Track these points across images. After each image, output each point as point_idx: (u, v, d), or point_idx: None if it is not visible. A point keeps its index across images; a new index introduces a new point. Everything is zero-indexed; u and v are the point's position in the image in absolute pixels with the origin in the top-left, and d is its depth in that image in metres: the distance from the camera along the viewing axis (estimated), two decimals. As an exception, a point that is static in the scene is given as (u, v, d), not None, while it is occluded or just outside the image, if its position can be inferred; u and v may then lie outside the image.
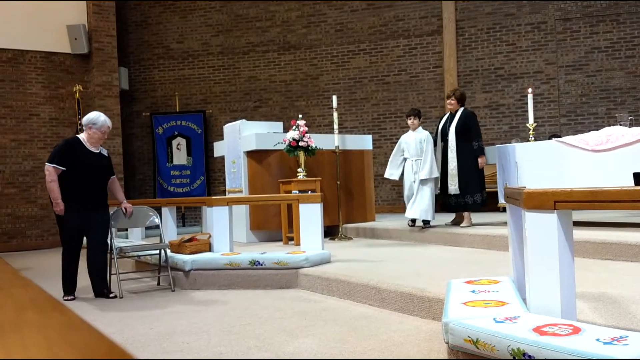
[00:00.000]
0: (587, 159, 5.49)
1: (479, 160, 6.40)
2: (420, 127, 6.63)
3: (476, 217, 7.42)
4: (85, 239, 5.12)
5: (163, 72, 11.82)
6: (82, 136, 5.08)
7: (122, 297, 4.99)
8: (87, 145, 5.02)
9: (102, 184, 5.12)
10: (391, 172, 6.69)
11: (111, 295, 5.01)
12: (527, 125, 6.77)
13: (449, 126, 6.51)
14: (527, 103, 6.94)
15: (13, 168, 10.06)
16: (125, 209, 5.29)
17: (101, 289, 5.05)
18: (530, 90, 6.89)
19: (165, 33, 11.80)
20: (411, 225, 6.82)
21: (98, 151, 5.09)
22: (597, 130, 5.80)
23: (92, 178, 4.97)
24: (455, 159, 6.39)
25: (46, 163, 4.95)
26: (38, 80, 10.28)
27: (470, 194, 6.39)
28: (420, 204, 6.42)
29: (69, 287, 5.03)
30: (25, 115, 10.19)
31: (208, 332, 3.67)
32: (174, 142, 11.49)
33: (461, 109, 6.57)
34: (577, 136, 5.77)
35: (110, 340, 0.53)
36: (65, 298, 4.99)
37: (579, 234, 4.75)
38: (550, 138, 7.28)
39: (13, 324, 0.58)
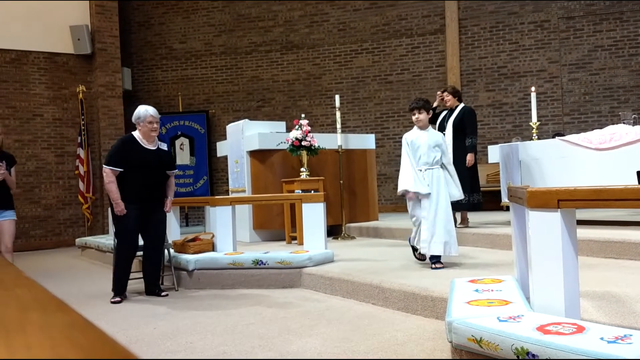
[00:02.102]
0: (591, 158, 5.48)
1: (468, 157, 6.16)
2: (431, 126, 4.94)
3: (480, 216, 7.41)
4: (141, 237, 5.04)
5: (166, 72, 11.83)
6: (136, 133, 4.89)
7: (125, 297, 4.99)
8: (143, 142, 4.85)
9: (159, 181, 4.96)
10: (418, 185, 4.62)
11: (163, 294, 4.95)
12: (531, 123, 6.76)
13: (447, 122, 6.40)
14: (530, 102, 6.93)
15: (17, 168, 10.05)
16: (166, 206, 5.09)
17: (153, 288, 5.00)
18: (533, 88, 6.88)
19: (168, 33, 11.82)
20: (421, 259, 4.91)
21: (155, 147, 4.91)
22: (601, 128, 5.78)
23: (149, 176, 4.82)
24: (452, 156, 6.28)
25: (103, 165, 4.84)
26: (41, 80, 10.31)
27: (466, 193, 6.27)
28: (446, 233, 4.59)
29: (120, 287, 4.85)
30: (29, 115, 10.21)
31: (212, 332, 3.67)
32: (177, 142, 11.51)
33: (461, 105, 6.45)
34: (580, 135, 5.75)
35: (114, 340, 0.53)
36: (113, 300, 4.78)
37: (583, 232, 4.74)
38: (553, 137, 7.27)
39: (17, 324, 0.59)
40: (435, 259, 4.65)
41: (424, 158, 4.69)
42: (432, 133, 4.83)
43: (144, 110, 4.85)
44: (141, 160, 4.79)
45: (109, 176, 4.73)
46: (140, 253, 5.15)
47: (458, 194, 4.78)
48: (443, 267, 4.59)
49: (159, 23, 11.86)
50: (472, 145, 6.22)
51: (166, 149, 5.08)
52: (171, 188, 5.16)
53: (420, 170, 4.66)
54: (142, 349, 3.36)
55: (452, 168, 4.81)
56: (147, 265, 5.08)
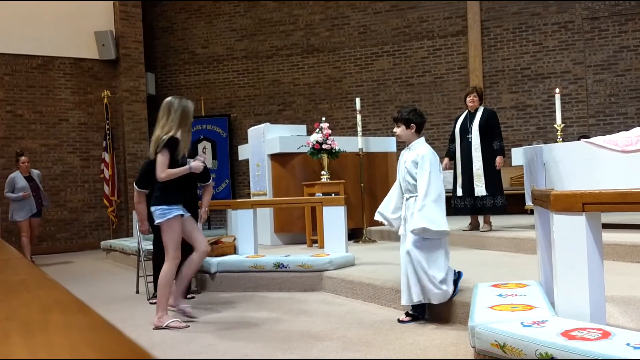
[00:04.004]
0: (617, 160, 5.38)
1: (497, 160, 6.21)
2: (420, 141, 3.87)
3: (504, 219, 7.33)
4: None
5: (189, 77, 11.95)
6: None
7: (149, 299, 5.05)
8: None
9: (189, 192, 4.89)
10: (382, 214, 4.04)
11: (188, 296, 5.03)
12: (555, 126, 6.67)
13: (471, 124, 6.37)
14: (554, 103, 6.83)
15: (43, 172, 10.23)
16: (201, 215, 5.11)
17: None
18: (557, 90, 6.79)
19: (190, 38, 11.94)
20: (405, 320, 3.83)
21: None
22: (627, 130, 5.68)
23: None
24: (481, 159, 6.27)
25: (134, 183, 5.09)
26: (67, 86, 10.49)
27: (491, 196, 6.27)
28: (413, 281, 3.62)
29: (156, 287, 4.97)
30: (55, 120, 10.40)
31: (233, 334, 3.69)
32: (200, 146, 11.60)
33: (482, 108, 6.46)
34: (606, 137, 5.65)
35: (132, 341, 0.54)
36: (151, 301, 4.92)
37: (609, 236, 4.65)
38: (579, 139, 7.16)
39: (38, 325, 0.59)
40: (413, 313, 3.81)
41: (403, 184, 3.83)
42: (412, 150, 3.82)
43: None
44: None
45: (136, 197, 4.97)
46: None
47: (414, 224, 3.58)
48: (409, 321, 3.77)
49: (181, 28, 11.98)
50: (501, 148, 6.28)
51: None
52: (207, 198, 5.17)
53: (403, 198, 3.84)
54: (166, 351, 3.39)
55: (420, 198, 3.62)
56: (180, 269, 5.13)
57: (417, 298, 3.63)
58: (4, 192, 8.03)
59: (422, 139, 3.89)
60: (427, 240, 3.62)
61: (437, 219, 3.56)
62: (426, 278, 3.59)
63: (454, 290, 3.70)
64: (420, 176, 3.66)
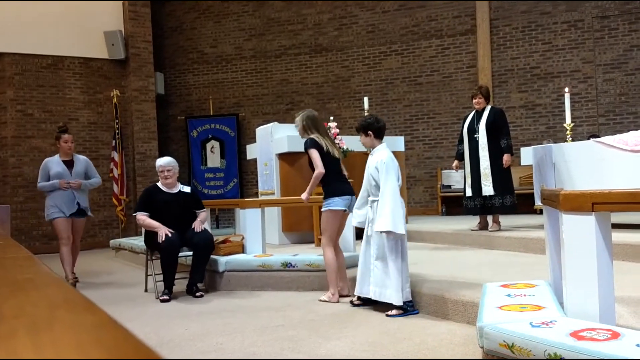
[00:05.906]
0: (627, 160, 5.33)
1: (505, 158, 6.18)
2: (381, 147, 4.24)
3: (512, 219, 7.30)
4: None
5: (197, 76, 11.98)
6: (160, 182, 5.42)
7: (158, 298, 5.07)
8: (164, 188, 5.36)
9: (185, 219, 5.31)
10: (356, 214, 4.38)
11: (197, 294, 5.09)
12: (565, 125, 6.62)
13: (478, 124, 6.35)
14: (564, 103, 6.79)
15: (53, 171, 10.32)
16: (194, 226, 5.27)
17: (191, 288, 5.19)
18: (567, 89, 6.74)
19: (199, 38, 11.97)
20: (357, 305, 4.30)
21: (177, 191, 5.38)
22: (637, 130, 5.63)
23: (173, 216, 5.21)
24: (488, 158, 6.24)
25: (134, 214, 5.47)
26: (77, 85, 10.55)
27: (500, 195, 6.23)
28: (377, 277, 4.06)
29: (165, 286, 5.10)
30: (65, 119, 10.44)
31: (241, 333, 3.70)
32: (208, 145, 11.64)
33: (489, 107, 6.43)
34: (615, 136, 5.61)
35: (138, 340, 0.54)
36: (161, 298, 5.01)
37: (618, 236, 4.62)
38: (588, 138, 7.11)
39: (45, 323, 0.60)
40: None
41: (367, 187, 4.24)
42: (374, 156, 4.22)
43: (157, 163, 5.42)
44: (162, 202, 5.26)
45: (140, 222, 5.25)
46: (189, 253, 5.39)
47: (382, 225, 3.95)
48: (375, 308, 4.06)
49: (190, 28, 12.02)
50: (508, 146, 6.24)
51: (189, 190, 5.49)
52: (201, 218, 5.41)
53: (369, 200, 4.22)
54: (174, 350, 3.41)
55: (382, 198, 4.03)
56: (193, 266, 5.23)
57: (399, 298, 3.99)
58: (37, 182, 6.23)
59: (382, 145, 4.26)
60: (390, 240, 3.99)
61: (389, 222, 3.92)
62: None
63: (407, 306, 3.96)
64: (382, 181, 4.05)
